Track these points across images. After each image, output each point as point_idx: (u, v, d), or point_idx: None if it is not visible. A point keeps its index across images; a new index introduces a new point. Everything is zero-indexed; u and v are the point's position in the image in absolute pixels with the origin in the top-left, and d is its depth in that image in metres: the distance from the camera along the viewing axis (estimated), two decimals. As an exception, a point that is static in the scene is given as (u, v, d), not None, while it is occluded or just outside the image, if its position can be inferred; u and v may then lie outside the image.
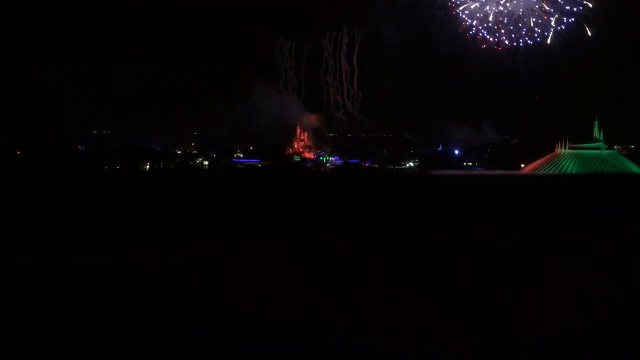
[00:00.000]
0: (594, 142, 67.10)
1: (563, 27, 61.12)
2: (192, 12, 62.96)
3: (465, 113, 66.55)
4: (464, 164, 68.19)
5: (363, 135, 72.18)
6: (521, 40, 61.24)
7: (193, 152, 68.70)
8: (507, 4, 62.10)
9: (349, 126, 69.05)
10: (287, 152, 68.58)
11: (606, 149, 66.81)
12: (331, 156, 68.94)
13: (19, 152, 59.75)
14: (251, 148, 68.92)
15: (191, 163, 65.92)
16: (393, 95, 65.01)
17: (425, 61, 61.60)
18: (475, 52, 60.81)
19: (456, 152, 69.59)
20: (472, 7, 61.56)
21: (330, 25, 64.80)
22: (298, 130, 68.66)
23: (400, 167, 67.47)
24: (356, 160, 68.02)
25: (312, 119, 68.25)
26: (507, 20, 62.03)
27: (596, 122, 67.27)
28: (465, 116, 67.33)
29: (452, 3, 61.42)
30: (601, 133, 67.23)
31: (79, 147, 64.72)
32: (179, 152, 68.39)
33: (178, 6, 63.03)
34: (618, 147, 68.39)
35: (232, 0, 63.19)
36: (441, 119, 66.75)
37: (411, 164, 68.38)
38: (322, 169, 66.69)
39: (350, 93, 67.35)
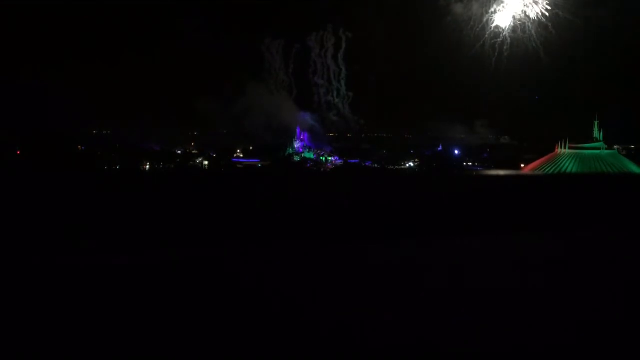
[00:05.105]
0: (594, 142, 67.13)
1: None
2: (188, 13, 63.09)
3: (465, 113, 66.71)
4: (464, 164, 68.27)
5: (363, 135, 72.32)
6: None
7: (193, 152, 68.78)
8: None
9: (343, 127, 69.18)
10: (287, 152, 68.69)
11: (606, 149, 66.84)
12: (331, 156, 69.05)
13: (18, 152, 59.79)
14: (251, 148, 69.04)
15: (191, 163, 65.97)
16: (390, 95, 65.18)
17: (421, 59, 61.69)
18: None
19: (456, 152, 69.70)
20: None
21: (316, 25, 64.97)
22: (298, 130, 68.79)
23: (400, 167, 67.56)
24: (356, 160, 68.12)
25: (308, 118, 68.38)
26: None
27: (596, 122, 67.35)
28: (465, 116, 67.49)
29: None
30: (601, 133, 67.27)
31: (79, 147, 64.77)
32: (179, 152, 68.47)
33: (176, 7, 63.12)
34: (618, 147, 68.43)
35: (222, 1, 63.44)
36: (440, 119, 66.89)
37: (411, 164, 68.47)
38: (322, 169, 66.77)
39: (340, 94, 67.45)
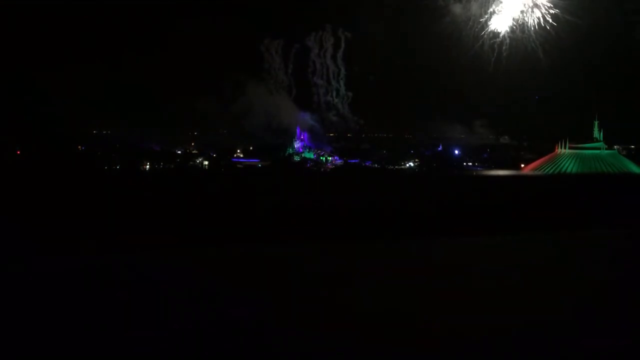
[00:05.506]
0: (594, 142, 67.09)
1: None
2: (188, 13, 63.13)
3: (465, 113, 66.66)
4: (464, 163, 68.25)
5: (363, 135, 72.26)
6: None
7: (193, 152, 68.74)
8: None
9: (342, 127, 69.12)
10: (287, 152, 68.66)
11: (606, 149, 66.80)
12: (331, 156, 69.05)
13: (18, 152, 59.78)
14: (251, 148, 69.01)
15: (191, 163, 65.94)
16: (389, 95, 65.17)
17: (420, 59, 61.62)
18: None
19: (456, 152, 69.69)
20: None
21: (314, 25, 64.92)
22: (298, 130, 68.79)
23: (400, 167, 67.54)
24: (356, 160, 68.11)
25: (307, 118, 68.37)
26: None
27: (596, 122, 67.32)
28: (465, 116, 67.45)
29: None
30: (601, 133, 67.26)
31: (79, 147, 64.73)
32: (179, 152, 68.45)
33: (176, 7, 63.14)
34: (618, 147, 68.40)
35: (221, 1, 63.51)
36: (440, 119, 66.88)
37: (411, 164, 68.44)
38: (322, 169, 66.76)
39: (339, 94, 67.45)
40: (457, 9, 61.69)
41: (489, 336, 6.71)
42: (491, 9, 62.29)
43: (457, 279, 9.23)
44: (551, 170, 63.62)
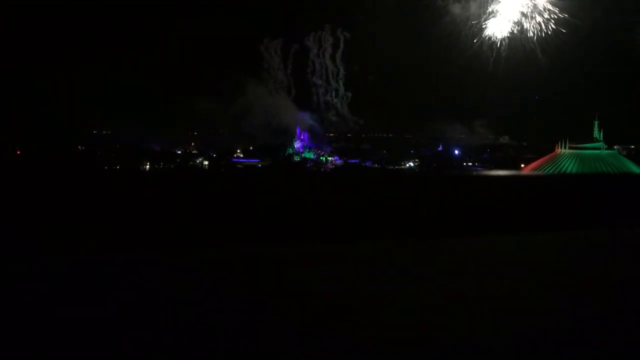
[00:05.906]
0: (594, 142, 67.13)
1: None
2: (188, 13, 63.14)
3: (465, 113, 66.69)
4: (464, 163, 68.31)
5: (363, 135, 72.31)
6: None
7: (193, 152, 68.80)
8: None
9: (342, 127, 69.15)
10: (287, 152, 68.71)
11: (606, 149, 66.83)
12: (331, 156, 69.10)
13: (18, 152, 59.83)
14: (251, 148, 69.08)
15: (191, 163, 65.99)
16: (389, 95, 65.20)
17: (420, 59, 61.59)
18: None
19: (456, 152, 69.76)
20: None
21: (314, 25, 64.98)
22: (298, 130, 68.85)
23: (400, 167, 67.59)
24: (356, 160, 68.18)
25: (307, 118, 68.42)
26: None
27: (596, 122, 67.37)
28: (465, 116, 67.46)
29: None
30: (601, 133, 67.29)
31: (79, 147, 64.80)
32: (179, 152, 68.50)
33: (176, 7, 63.15)
34: (618, 147, 68.44)
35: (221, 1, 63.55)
36: (440, 119, 66.92)
37: (411, 164, 68.50)
38: (322, 169, 66.81)
39: (339, 94, 67.49)
40: (456, 9, 61.71)
41: (489, 336, 6.71)
42: (490, 9, 62.31)
43: (456, 278, 9.23)
44: (551, 170, 63.62)
